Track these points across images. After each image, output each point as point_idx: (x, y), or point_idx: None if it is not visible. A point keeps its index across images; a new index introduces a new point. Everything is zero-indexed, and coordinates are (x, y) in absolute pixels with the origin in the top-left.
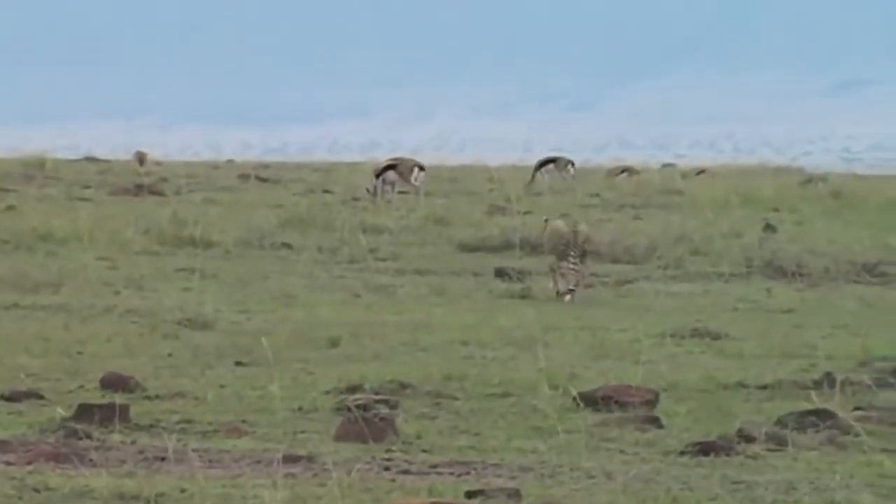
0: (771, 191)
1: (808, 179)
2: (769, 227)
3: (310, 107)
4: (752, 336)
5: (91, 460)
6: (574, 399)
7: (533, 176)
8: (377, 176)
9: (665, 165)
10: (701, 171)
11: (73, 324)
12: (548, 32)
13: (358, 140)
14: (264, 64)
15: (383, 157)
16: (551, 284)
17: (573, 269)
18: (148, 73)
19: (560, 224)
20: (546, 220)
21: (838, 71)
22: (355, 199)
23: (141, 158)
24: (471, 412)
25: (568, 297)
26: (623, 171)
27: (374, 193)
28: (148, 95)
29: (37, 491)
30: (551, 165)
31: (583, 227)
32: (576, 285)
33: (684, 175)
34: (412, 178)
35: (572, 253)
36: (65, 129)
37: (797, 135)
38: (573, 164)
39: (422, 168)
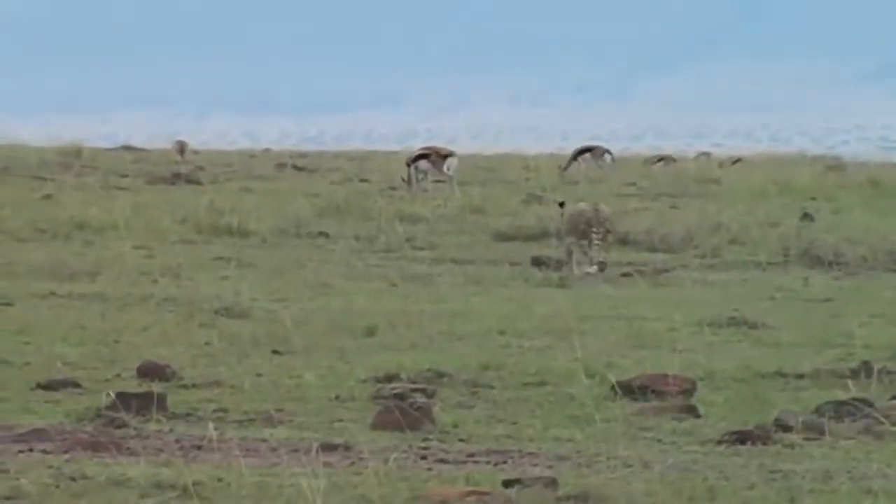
0: (808, 180)
1: (838, 166)
2: (806, 216)
3: (346, 96)
4: (790, 325)
5: (128, 449)
6: (611, 388)
7: (568, 164)
8: (409, 165)
9: (701, 154)
10: (737, 160)
11: (110, 312)
12: (582, 21)
13: (394, 129)
14: (300, 53)
15: (419, 146)
16: (573, 266)
17: (598, 245)
18: (184, 61)
19: (582, 205)
20: (562, 204)
21: (874, 59)
22: (392, 188)
23: (181, 147)
24: (507, 401)
25: (594, 268)
26: (660, 160)
27: (409, 182)
28: (184, 84)
29: (73, 479)
30: (588, 154)
31: (603, 207)
32: (603, 260)
33: (721, 164)
34: (444, 168)
35: (595, 230)
36: (101, 117)
37: (834, 124)
38: (610, 153)
39: (454, 156)
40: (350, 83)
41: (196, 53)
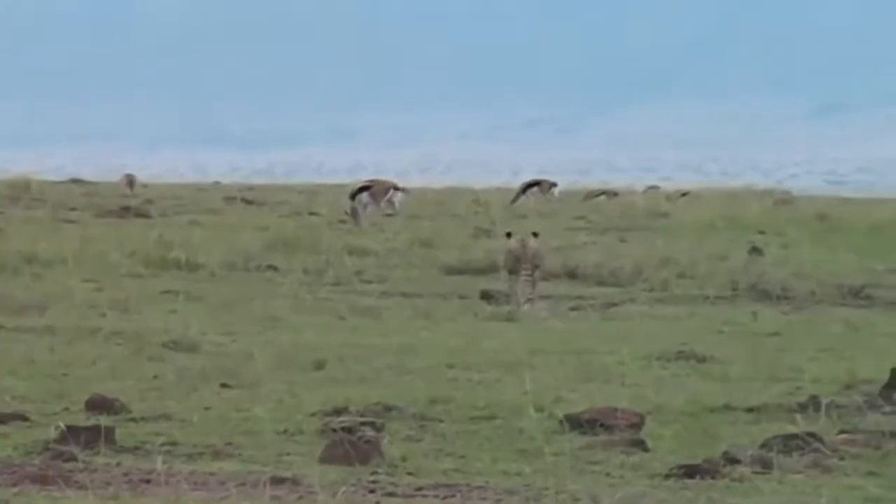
0: (756, 214)
1: (787, 200)
2: (755, 251)
3: (296, 129)
4: (738, 359)
5: (76, 482)
6: (560, 422)
7: (516, 198)
8: (352, 198)
9: (649, 188)
10: (684, 194)
11: (59, 346)
12: (532, 58)
13: (344, 163)
14: (250, 86)
15: (365, 180)
16: (518, 300)
17: (526, 279)
18: (133, 95)
19: (512, 242)
20: (509, 235)
21: (821, 95)
22: (341, 221)
23: (130, 181)
24: (456, 435)
25: (527, 306)
26: (601, 194)
27: (353, 215)
28: (133, 118)
29: None
30: (535, 188)
31: (532, 243)
32: (531, 295)
33: (668, 197)
34: (385, 199)
35: (524, 266)
36: (50, 151)
37: (782, 158)
38: (556, 187)
39: (398, 189)
40: (300, 117)
41: (145, 87)
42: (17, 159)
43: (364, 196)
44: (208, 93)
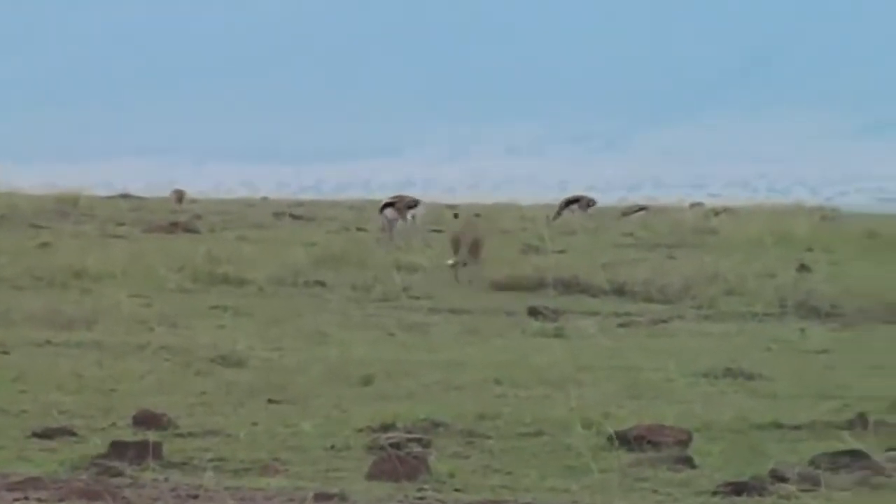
0: (805, 230)
1: (835, 217)
2: (803, 268)
3: (344, 145)
4: (786, 376)
5: (124, 498)
6: (607, 438)
7: (557, 214)
8: (380, 213)
9: (694, 204)
10: (718, 213)
11: (107, 361)
12: (579, 73)
13: (392, 178)
14: (299, 102)
15: (418, 196)
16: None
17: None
18: (182, 110)
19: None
20: (456, 216)
21: (873, 112)
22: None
23: (179, 196)
24: (503, 451)
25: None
26: (639, 210)
27: (384, 230)
28: (182, 133)
29: None
30: (575, 205)
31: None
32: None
33: (706, 215)
34: (408, 216)
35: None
36: (99, 166)
37: (831, 175)
38: (595, 204)
39: (416, 204)
40: (349, 133)
41: (194, 102)
42: (66, 174)
43: (389, 212)
44: (257, 108)
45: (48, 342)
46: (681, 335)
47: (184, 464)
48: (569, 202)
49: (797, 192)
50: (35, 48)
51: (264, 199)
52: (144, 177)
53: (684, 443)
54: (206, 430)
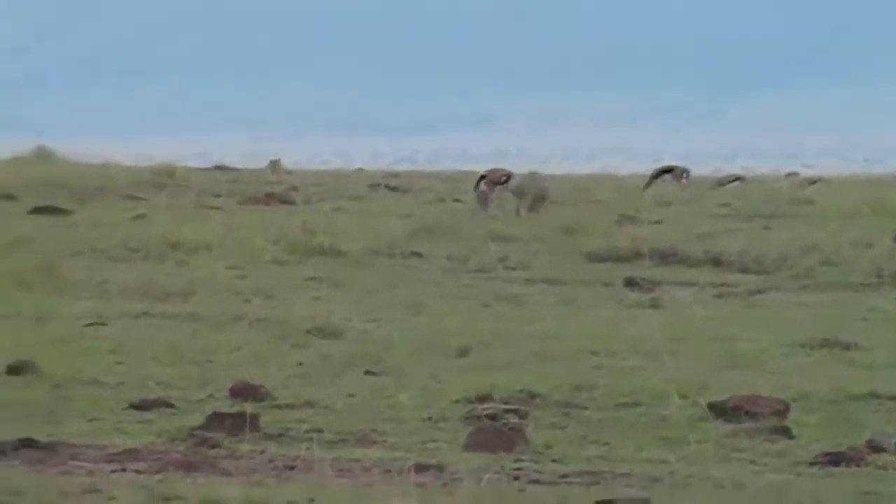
0: None
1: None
2: None
3: (438, 116)
4: (883, 346)
5: (221, 469)
6: (704, 409)
7: (649, 183)
8: (475, 188)
9: (789, 174)
10: (813, 182)
11: (203, 332)
12: (671, 43)
13: (487, 149)
14: (392, 72)
15: (511, 166)
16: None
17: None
18: (276, 81)
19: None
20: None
21: None
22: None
23: (275, 167)
24: (600, 422)
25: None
26: (735, 180)
27: (480, 203)
28: (276, 104)
29: (167, 500)
30: (669, 175)
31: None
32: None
33: (801, 184)
34: (498, 189)
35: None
36: (195, 137)
37: None
38: (688, 173)
39: (509, 178)
40: (443, 103)
41: (289, 74)
42: (161, 145)
43: (482, 185)
44: (352, 79)
45: (145, 314)
46: (777, 306)
47: (281, 435)
48: (661, 172)
49: (893, 162)
50: (128, 19)
51: (359, 170)
52: (240, 148)
53: (781, 413)
54: (303, 401)
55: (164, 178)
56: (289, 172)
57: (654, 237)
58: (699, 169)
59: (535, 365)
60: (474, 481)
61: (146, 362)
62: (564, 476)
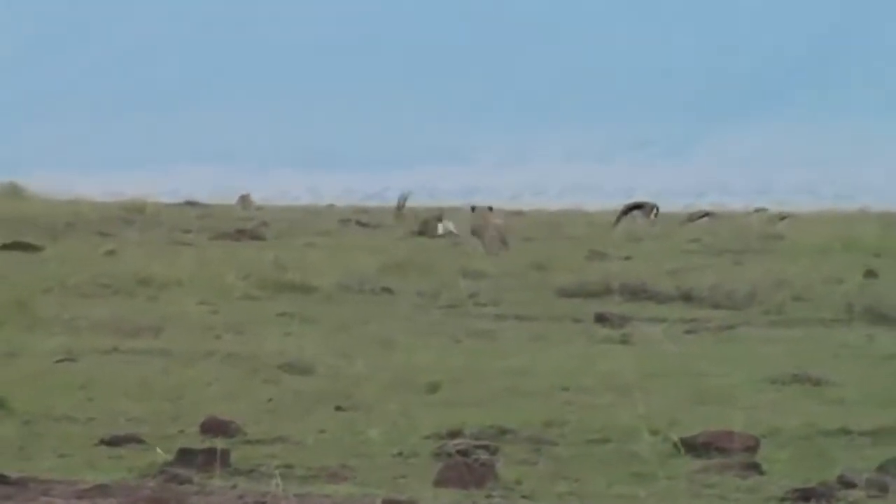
0: (872, 236)
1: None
2: (870, 273)
3: (408, 151)
4: (854, 382)
5: None
6: (674, 445)
7: (618, 220)
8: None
9: (757, 210)
10: (783, 218)
11: (174, 368)
12: (640, 78)
13: (457, 185)
14: (362, 108)
15: (482, 202)
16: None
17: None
18: (246, 117)
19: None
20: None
21: None
22: (455, 244)
23: (245, 202)
24: (571, 458)
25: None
26: (704, 216)
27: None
28: (247, 139)
29: None
30: (638, 211)
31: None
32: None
33: (770, 220)
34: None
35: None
36: (164, 173)
37: None
38: (658, 210)
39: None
40: (412, 139)
41: (258, 108)
42: (132, 181)
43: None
44: (321, 115)
45: (115, 349)
46: (748, 341)
47: (251, 471)
48: (631, 207)
49: (863, 198)
50: (95, 54)
51: (330, 205)
52: (210, 183)
53: (752, 449)
54: (274, 437)
55: (135, 214)
56: (259, 208)
57: (625, 273)
58: (669, 205)
59: (505, 401)
60: None
61: (117, 398)
62: None
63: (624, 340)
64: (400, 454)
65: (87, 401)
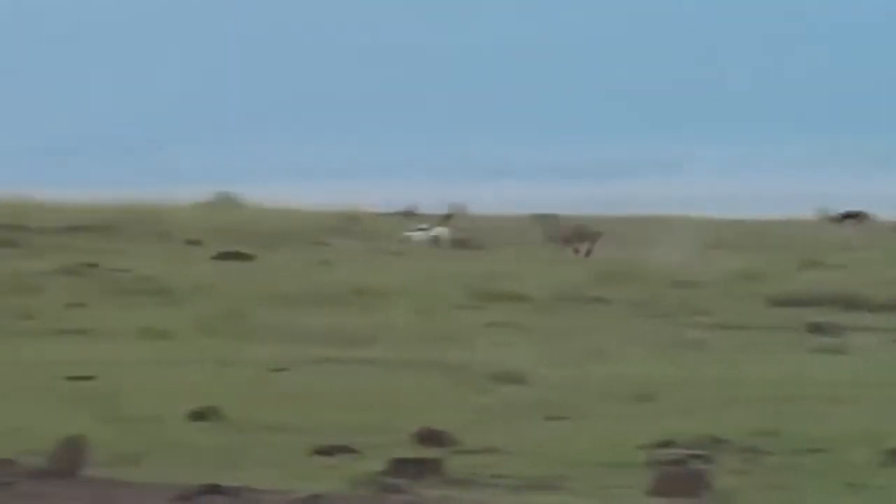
0: None
1: None
2: None
3: (625, 161)
4: None
5: None
6: (889, 454)
7: (831, 228)
8: None
9: None
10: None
11: (386, 378)
12: (854, 89)
13: (672, 194)
14: (583, 117)
15: (700, 212)
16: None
17: None
18: (462, 127)
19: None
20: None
21: None
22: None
23: (454, 213)
24: (784, 468)
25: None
26: (847, 217)
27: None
28: (463, 150)
29: None
30: (852, 220)
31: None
32: None
33: None
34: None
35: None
36: (381, 182)
37: None
38: (870, 218)
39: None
40: (630, 149)
41: (475, 120)
42: (347, 190)
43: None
44: (537, 125)
45: (328, 359)
46: None
47: (465, 480)
48: (844, 216)
49: None
50: (308, 61)
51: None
52: (426, 194)
53: None
54: (486, 446)
55: (349, 224)
56: (472, 218)
57: (838, 282)
58: (880, 213)
59: (718, 410)
60: None
61: (329, 408)
62: None
63: (838, 350)
64: (612, 464)
65: (300, 410)
